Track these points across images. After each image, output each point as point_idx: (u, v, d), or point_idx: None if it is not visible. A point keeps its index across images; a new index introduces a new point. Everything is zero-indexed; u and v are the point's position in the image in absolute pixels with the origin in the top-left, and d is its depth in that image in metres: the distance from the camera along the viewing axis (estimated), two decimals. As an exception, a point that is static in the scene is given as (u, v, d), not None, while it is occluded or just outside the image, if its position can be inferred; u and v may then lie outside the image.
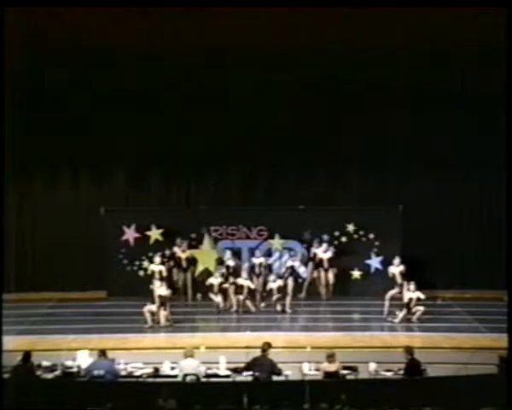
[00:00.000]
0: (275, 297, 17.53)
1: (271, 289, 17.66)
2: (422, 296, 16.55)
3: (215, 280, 17.71)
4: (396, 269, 17.37)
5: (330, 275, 18.72)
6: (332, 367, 12.26)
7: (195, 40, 17.55)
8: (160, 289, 16.54)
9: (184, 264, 18.71)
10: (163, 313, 16.41)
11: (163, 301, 16.45)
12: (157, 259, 18.07)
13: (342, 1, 15.56)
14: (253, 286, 17.75)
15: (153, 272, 17.70)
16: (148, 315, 16.37)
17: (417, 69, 18.90)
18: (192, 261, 18.89)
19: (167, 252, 18.77)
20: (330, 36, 17.30)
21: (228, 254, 18.57)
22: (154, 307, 16.40)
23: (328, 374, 12.23)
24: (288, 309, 17.59)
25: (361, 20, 16.68)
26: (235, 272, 18.20)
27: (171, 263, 18.63)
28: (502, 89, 14.95)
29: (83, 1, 15.41)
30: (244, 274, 17.81)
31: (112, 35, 17.27)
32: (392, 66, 18.77)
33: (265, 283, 18.11)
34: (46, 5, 15.16)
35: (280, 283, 17.67)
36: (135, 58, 18.70)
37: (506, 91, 13.61)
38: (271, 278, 17.79)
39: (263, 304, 17.65)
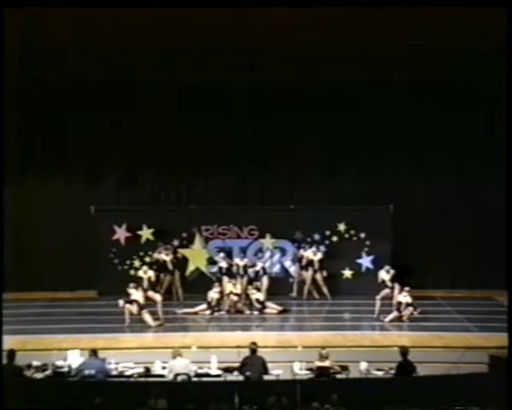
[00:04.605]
0: (256, 308, 17.57)
1: (251, 301, 17.69)
2: (410, 301, 16.61)
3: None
4: (386, 276, 17.42)
5: (318, 276, 18.75)
6: (325, 363, 12.38)
7: (189, 41, 17.56)
8: (136, 294, 16.54)
9: (170, 266, 18.69)
10: (147, 315, 16.39)
11: (141, 306, 16.44)
12: (144, 267, 18.24)
13: (343, 1, 15.57)
14: (238, 291, 17.76)
15: (141, 278, 17.69)
16: (127, 314, 16.37)
17: (412, 69, 18.91)
18: (178, 263, 18.87)
19: (155, 255, 18.75)
20: (326, 35, 17.30)
21: (221, 255, 18.60)
22: (133, 309, 16.40)
23: (320, 369, 12.30)
24: (272, 306, 17.61)
25: (360, 20, 16.69)
26: (228, 273, 18.28)
27: (155, 268, 18.58)
28: (498, 89, 15.01)
29: (83, 1, 15.41)
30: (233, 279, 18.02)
31: (106, 35, 17.25)
32: (387, 66, 18.79)
33: (249, 284, 18.13)
34: (46, 5, 15.15)
35: (259, 295, 17.69)
36: (128, 59, 18.67)
37: (506, 91, 13.62)
38: (252, 291, 17.80)
39: (248, 311, 17.67)
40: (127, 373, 12.78)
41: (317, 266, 18.73)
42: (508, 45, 12.95)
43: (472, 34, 17.21)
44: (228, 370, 12.70)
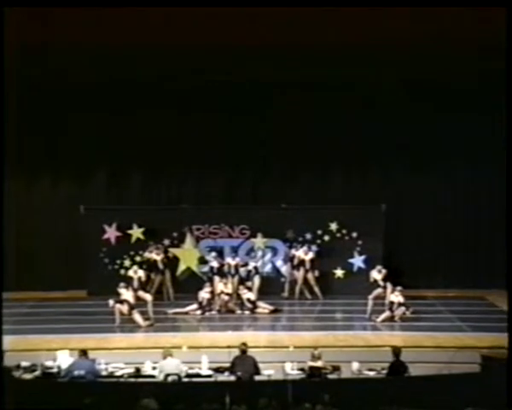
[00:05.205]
0: (247, 308, 17.60)
1: (242, 301, 17.72)
2: (402, 301, 16.66)
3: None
4: (378, 275, 17.45)
5: (310, 276, 18.77)
6: (317, 363, 12.40)
7: (179, 41, 17.58)
8: (127, 294, 16.55)
9: (161, 266, 18.68)
10: (137, 315, 16.38)
11: (132, 306, 16.44)
12: (135, 266, 18.24)
13: (343, 1, 15.64)
14: (229, 291, 17.77)
15: (132, 278, 17.71)
16: (117, 314, 16.39)
17: (409, 68, 18.92)
18: (169, 263, 18.87)
19: (146, 255, 18.76)
20: (324, 34, 17.33)
21: (212, 254, 18.61)
22: (124, 309, 16.41)
23: (312, 369, 12.31)
24: (263, 306, 17.65)
25: (359, 20, 16.73)
26: (220, 272, 18.29)
27: (145, 268, 18.58)
28: (498, 89, 15.11)
29: (82, 1, 15.45)
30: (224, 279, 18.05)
31: (95, 34, 17.25)
32: (378, 65, 18.81)
33: (241, 283, 18.16)
34: (46, 5, 15.20)
35: (250, 295, 17.73)
36: (119, 59, 18.63)
37: (506, 91, 13.72)
38: (243, 290, 17.81)
39: (239, 311, 17.68)
40: (117, 374, 12.78)
41: (308, 265, 18.75)
42: (508, 45, 13.04)
43: (472, 34, 17.26)
44: (219, 370, 12.71)
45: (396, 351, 12.51)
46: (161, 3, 15.51)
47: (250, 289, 18.01)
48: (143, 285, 17.83)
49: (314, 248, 19.06)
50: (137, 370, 12.79)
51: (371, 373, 12.69)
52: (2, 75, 13.33)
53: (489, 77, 17.39)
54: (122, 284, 16.73)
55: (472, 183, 19.95)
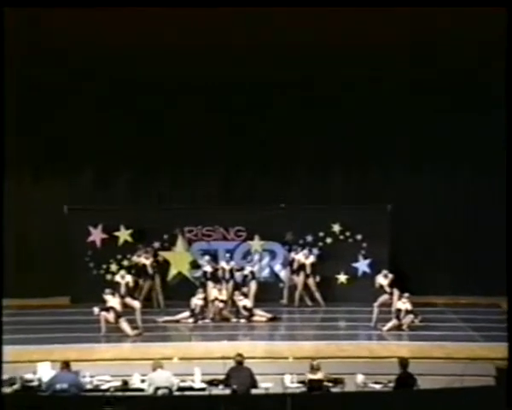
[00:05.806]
0: (243, 315, 17.55)
1: (238, 308, 17.67)
2: (410, 308, 16.61)
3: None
4: (384, 281, 17.40)
5: (311, 281, 18.72)
6: (317, 375, 12.32)
7: (179, 41, 17.78)
8: (113, 301, 16.47)
9: (150, 270, 18.62)
10: (125, 324, 16.30)
11: (118, 314, 16.36)
12: (122, 271, 18.16)
13: (344, 1, 15.83)
14: (223, 297, 17.72)
15: (118, 284, 17.62)
16: (103, 323, 16.30)
17: (402, 68, 19.08)
18: (159, 267, 18.81)
19: (134, 258, 18.72)
20: (324, 34, 17.54)
21: (206, 258, 18.56)
22: (110, 317, 16.33)
23: (312, 382, 12.26)
24: (260, 313, 17.62)
25: (359, 19, 16.94)
26: (213, 277, 18.23)
27: (133, 272, 18.52)
28: (498, 89, 15.24)
29: (82, 1, 15.60)
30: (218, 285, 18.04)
31: (95, 34, 17.41)
32: (378, 65, 18.98)
33: (236, 289, 18.10)
34: (46, 5, 15.33)
35: (246, 302, 17.69)
36: (118, 58, 18.70)
37: (506, 91, 13.83)
38: (239, 297, 17.75)
39: (234, 319, 17.63)
40: (103, 387, 12.68)
41: (309, 270, 18.74)
42: (508, 45, 13.23)
43: (472, 34, 17.49)
44: (213, 383, 12.63)
45: (403, 362, 12.46)
46: (161, 4, 15.75)
47: (246, 295, 17.97)
48: (131, 291, 17.78)
49: (315, 251, 19.09)
50: (125, 383, 12.71)
51: (377, 386, 12.62)
52: (3, 75, 13.49)
53: (489, 77, 17.75)
54: (108, 291, 16.66)
55: (480, 184, 20.07)
